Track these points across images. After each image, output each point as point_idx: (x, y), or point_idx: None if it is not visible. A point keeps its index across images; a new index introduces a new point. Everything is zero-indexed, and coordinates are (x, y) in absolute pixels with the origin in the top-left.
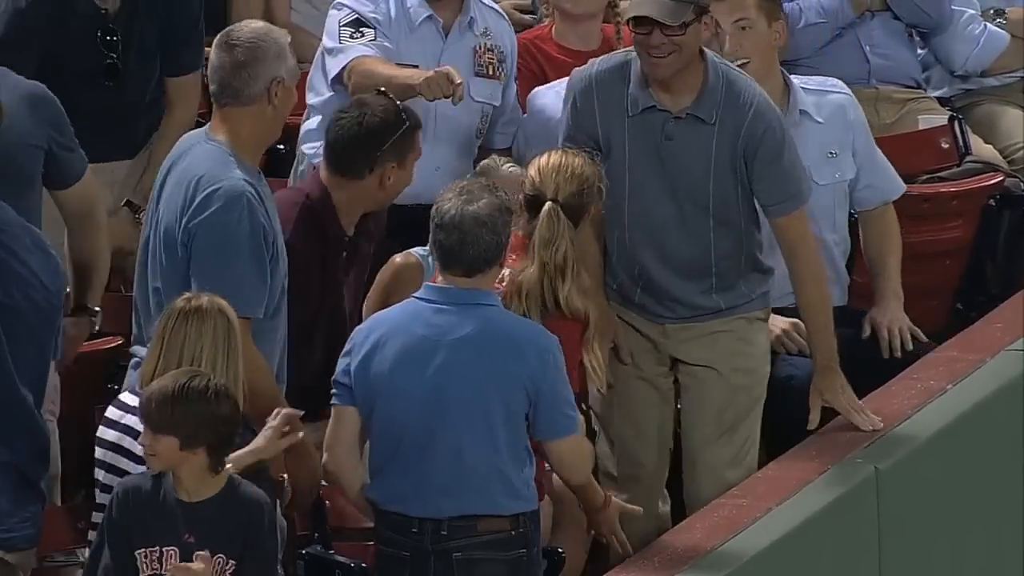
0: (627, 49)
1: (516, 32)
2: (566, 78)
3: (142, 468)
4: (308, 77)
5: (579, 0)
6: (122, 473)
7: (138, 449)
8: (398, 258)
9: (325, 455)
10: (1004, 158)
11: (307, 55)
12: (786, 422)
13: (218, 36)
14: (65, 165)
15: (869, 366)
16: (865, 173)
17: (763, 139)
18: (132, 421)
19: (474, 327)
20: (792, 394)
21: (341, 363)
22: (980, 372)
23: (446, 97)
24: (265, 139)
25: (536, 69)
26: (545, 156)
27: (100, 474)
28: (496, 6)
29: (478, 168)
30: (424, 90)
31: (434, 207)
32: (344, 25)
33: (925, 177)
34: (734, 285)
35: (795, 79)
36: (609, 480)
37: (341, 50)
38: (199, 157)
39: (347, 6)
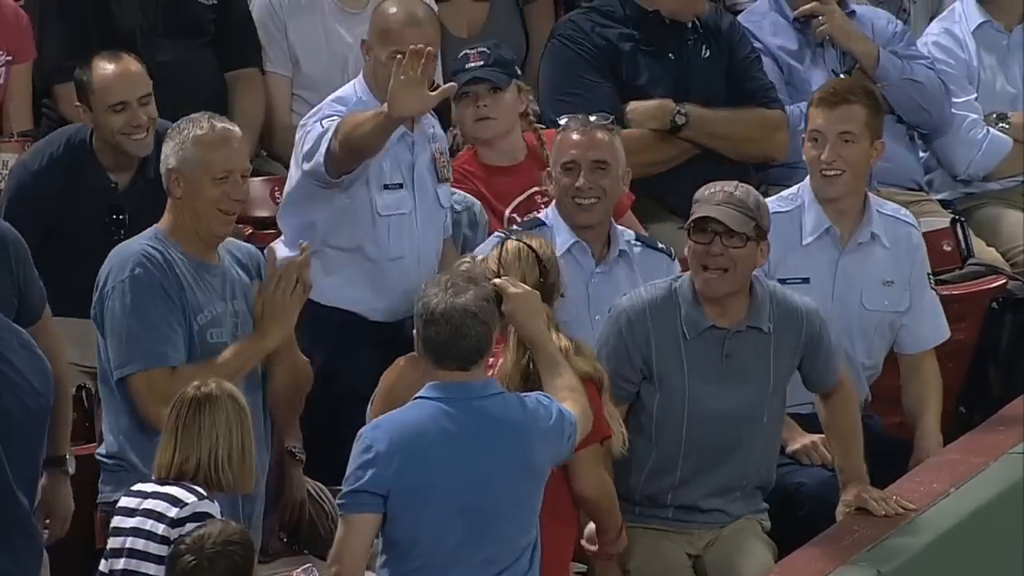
0: (672, 277)
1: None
2: None
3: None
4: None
5: (487, 125)
6: (146, 555)
7: (160, 529)
8: (402, 360)
9: (334, 567)
10: (1006, 261)
11: None
12: (795, 527)
13: None
14: None
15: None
16: (910, 313)
17: (821, 333)
18: (152, 504)
19: (493, 418)
20: (802, 500)
21: (364, 474)
22: (983, 475)
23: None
24: (198, 231)
25: (476, 191)
26: (501, 248)
27: (119, 562)
28: None
29: (462, 271)
30: (399, 95)
31: (419, 303)
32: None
33: None
34: (751, 494)
35: (872, 200)
36: None
37: (323, 133)
38: None
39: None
